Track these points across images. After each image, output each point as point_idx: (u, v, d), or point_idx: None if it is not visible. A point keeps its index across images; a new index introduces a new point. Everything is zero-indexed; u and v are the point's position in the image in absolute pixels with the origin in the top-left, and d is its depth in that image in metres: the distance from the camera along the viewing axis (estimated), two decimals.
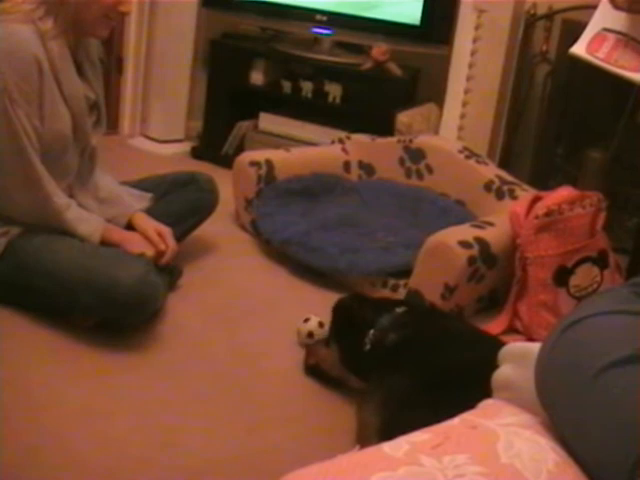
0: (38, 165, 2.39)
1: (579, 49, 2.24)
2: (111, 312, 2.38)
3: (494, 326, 2.73)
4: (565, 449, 1.13)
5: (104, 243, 2.52)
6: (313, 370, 2.40)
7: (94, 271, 2.38)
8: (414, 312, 2.32)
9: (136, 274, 2.37)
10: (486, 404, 1.28)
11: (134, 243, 2.57)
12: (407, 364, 2.09)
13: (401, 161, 3.42)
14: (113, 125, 4.42)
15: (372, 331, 2.20)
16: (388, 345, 2.16)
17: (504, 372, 1.35)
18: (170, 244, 2.63)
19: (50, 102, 2.39)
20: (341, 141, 3.57)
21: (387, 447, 1.09)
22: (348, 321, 2.32)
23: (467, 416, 1.20)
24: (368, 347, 2.19)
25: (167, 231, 2.65)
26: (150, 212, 2.73)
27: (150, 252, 2.57)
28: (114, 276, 2.35)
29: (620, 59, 2.17)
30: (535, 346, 1.27)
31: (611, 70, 2.17)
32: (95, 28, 2.47)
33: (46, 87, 2.36)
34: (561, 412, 1.16)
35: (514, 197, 3.04)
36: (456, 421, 1.17)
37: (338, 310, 2.38)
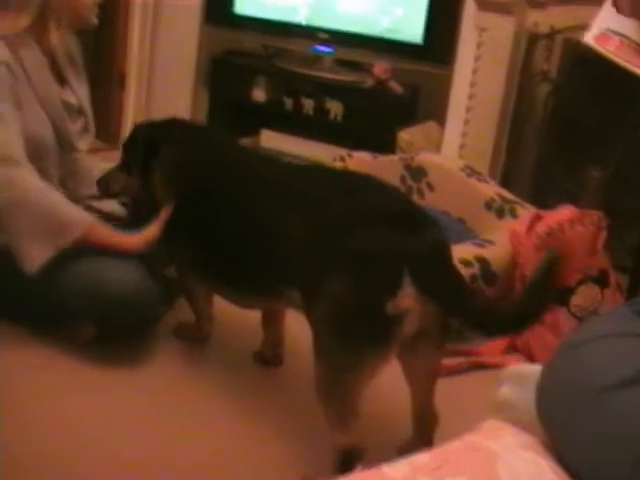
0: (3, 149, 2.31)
1: (589, 39, 2.28)
2: (108, 317, 2.38)
3: (495, 345, 2.72)
4: (565, 470, 1.13)
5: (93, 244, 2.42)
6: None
7: (90, 277, 2.38)
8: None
9: (132, 278, 2.38)
10: (486, 425, 1.28)
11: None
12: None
13: (402, 179, 3.42)
14: (115, 140, 4.42)
15: None
16: None
17: (504, 393, 1.35)
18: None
19: (26, 105, 2.40)
20: (342, 159, 3.57)
21: (387, 468, 1.08)
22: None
23: (467, 437, 1.19)
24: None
25: None
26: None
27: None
28: (110, 281, 2.35)
29: (626, 58, 2.19)
30: (535, 368, 1.27)
31: (621, 64, 2.20)
32: (90, 16, 2.52)
33: (21, 90, 2.38)
34: (561, 432, 1.16)
35: (515, 215, 3.04)
36: (456, 442, 1.17)
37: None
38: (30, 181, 2.34)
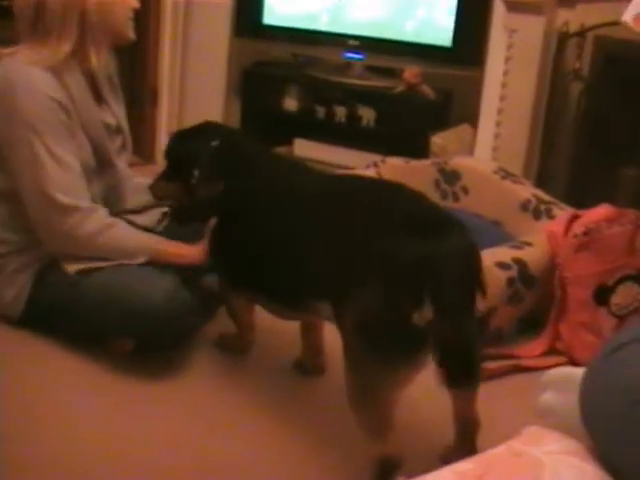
0: (60, 197, 2.37)
1: (628, 19, 2.30)
2: (142, 328, 2.38)
3: (535, 347, 2.71)
4: (610, 475, 1.13)
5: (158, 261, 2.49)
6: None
7: (123, 288, 2.39)
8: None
9: (165, 288, 2.38)
10: (529, 431, 1.27)
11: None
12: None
13: (436, 183, 3.41)
14: (149, 156, 4.46)
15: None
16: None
17: (547, 398, 1.34)
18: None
19: (75, 133, 2.43)
20: (376, 165, 3.57)
21: (431, 477, 1.08)
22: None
23: (512, 443, 1.19)
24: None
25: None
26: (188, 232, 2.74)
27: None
28: (143, 291, 2.36)
29: None
30: (578, 371, 1.26)
31: None
32: (127, 31, 2.52)
33: (72, 119, 2.41)
34: (605, 437, 1.15)
35: (551, 216, 3.02)
36: (499, 449, 1.17)
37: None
38: (87, 225, 2.40)
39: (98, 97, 2.57)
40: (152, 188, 2.61)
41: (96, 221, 2.42)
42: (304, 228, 2.08)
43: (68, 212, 2.38)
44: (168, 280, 2.42)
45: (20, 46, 2.43)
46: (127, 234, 2.50)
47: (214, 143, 2.38)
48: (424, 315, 1.75)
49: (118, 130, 2.65)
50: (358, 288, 1.86)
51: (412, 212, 1.93)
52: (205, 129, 2.50)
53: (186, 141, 2.48)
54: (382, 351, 1.83)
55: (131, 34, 2.55)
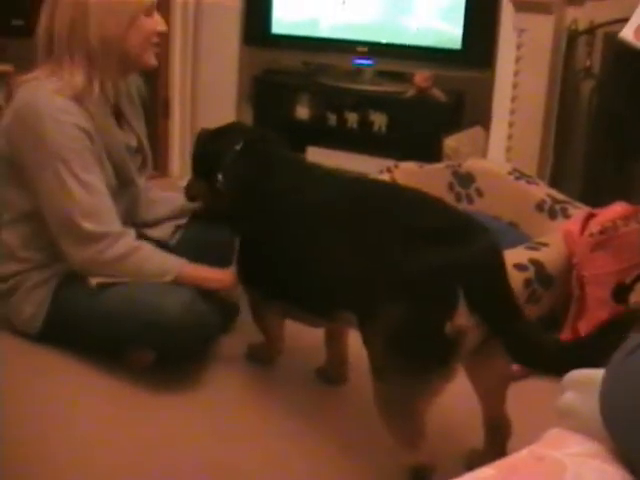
0: (86, 225, 2.38)
1: (627, 34, 2.28)
2: (159, 340, 2.39)
3: None
4: (633, 476, 1.12)
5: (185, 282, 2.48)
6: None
7: (139, 300, 2.40)
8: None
9: (181, 301, 2.38)
10: (552, 433, 1.26)
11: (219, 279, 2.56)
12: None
13: (450, 186, 3.41)
14: (163, 168, 4.47)
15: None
16: None
17: (568, 400, 1.33)
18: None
19: (99, 157, 2.44)
20: (389, 170, 3.56)
21: None
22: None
23: (534, 447, 1.18)
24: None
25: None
26: (206, 238, 2.77)
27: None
28: (159, 303, 2.37)
29: None
30: (599, 372, 1.25)
31: None
32: (144, 58, 2.48)
33: (95, 145, 2.41)
34: (628, 437, 1.14)
35: (567, 216, 3.01)
36: (521, 453, 1.16)
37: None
38: (114, 250, 2.41)
39: (120, 119, 2.57)
40: (186, 188, 2.62)
41: (123, 246, 2.42)
42: (326, 235, 2.05)
43: (95, 239, 2.39)
44: (184, 292, 2.42)
45: (38, 71, 2.43)
46: (152, 257, 2.49)
47: (237, 146, 2.36)
48: (456, 323, 1.74)
49: (139, 149, 2.66)
50: (385, 300, 1.83)
51: (436, 219, 1.91)
52: (229, 131, 2.48)
53: (210, 143, 2.47)
54: (415, 363, 1.81)
55: (151, 60, 2.51)
